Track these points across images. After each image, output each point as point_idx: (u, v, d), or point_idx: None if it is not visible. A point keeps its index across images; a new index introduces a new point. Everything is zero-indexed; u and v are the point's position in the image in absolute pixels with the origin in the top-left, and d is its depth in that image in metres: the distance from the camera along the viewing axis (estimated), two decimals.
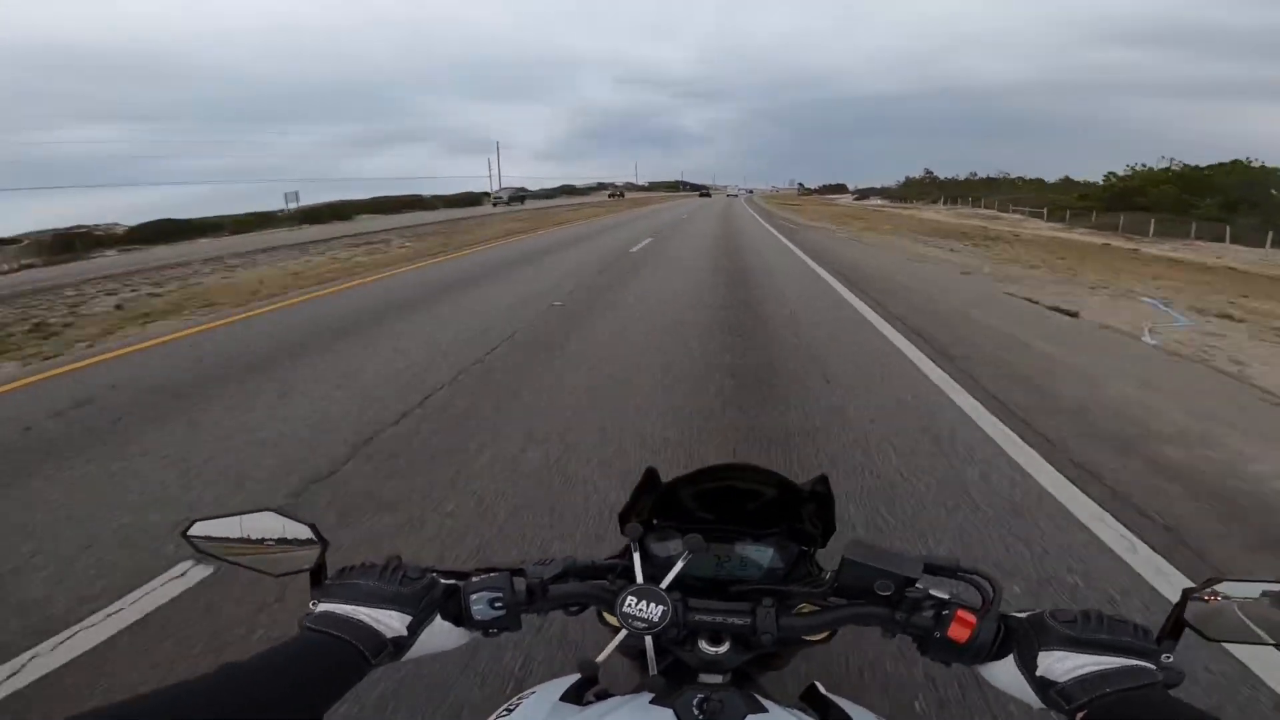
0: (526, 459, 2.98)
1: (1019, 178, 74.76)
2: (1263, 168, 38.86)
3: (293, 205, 37.65)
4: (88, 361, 5.24)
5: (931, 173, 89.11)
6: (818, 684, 0.71)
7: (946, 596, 0.58)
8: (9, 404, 4.25)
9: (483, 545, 2.29)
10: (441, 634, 0.60)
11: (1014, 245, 17.38)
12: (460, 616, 0.60)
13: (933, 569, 0.58)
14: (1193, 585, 0.52)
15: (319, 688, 0.48)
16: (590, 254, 12.20)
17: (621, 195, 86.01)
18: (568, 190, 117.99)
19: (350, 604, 0.56)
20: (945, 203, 56.86)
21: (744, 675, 0.66)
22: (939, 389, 3.98)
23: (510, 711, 0.65)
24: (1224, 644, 0.56)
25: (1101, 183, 50.03)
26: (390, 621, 0.56)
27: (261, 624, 1.88)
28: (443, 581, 0.61)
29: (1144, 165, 44.55)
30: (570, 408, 3.69)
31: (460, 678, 1.63)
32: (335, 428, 3.44)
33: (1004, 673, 0.55)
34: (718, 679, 0.62)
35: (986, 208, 45.50)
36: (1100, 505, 2.51)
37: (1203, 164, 40.49)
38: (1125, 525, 2.37)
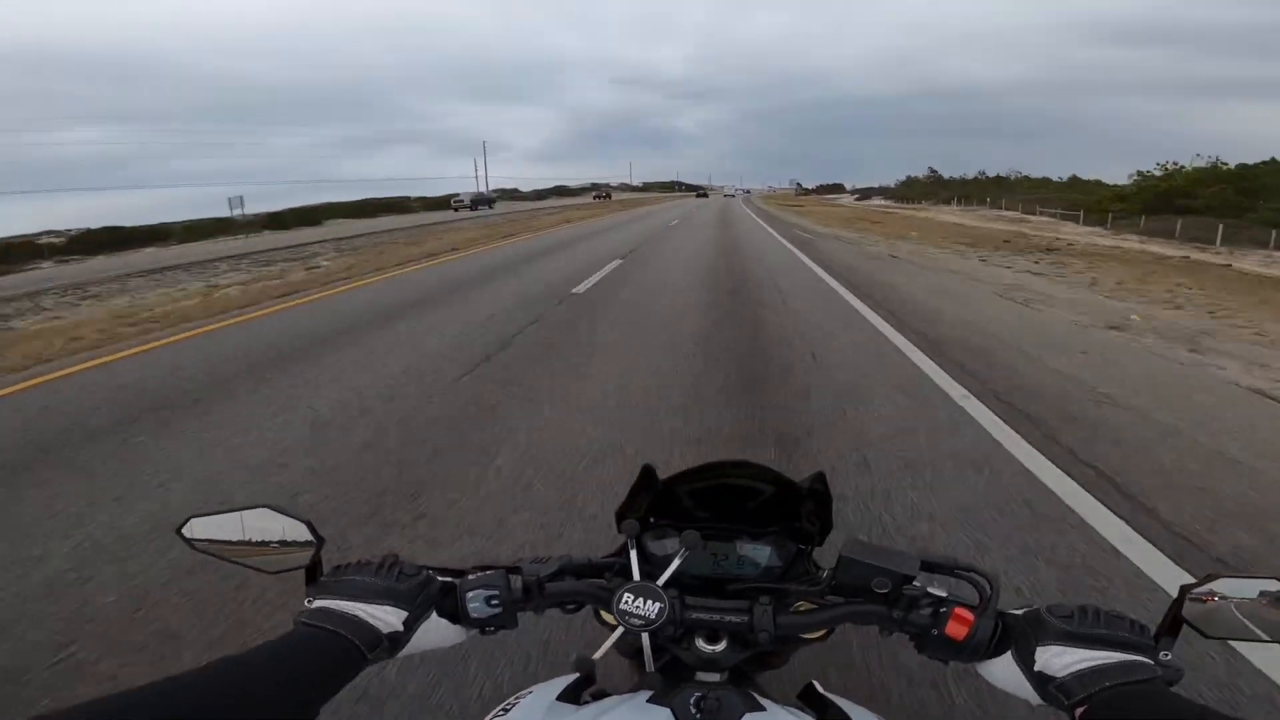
0: None
1: (1025, 177, 70.69)
2: None
3: (237, 211, 34.80)
4: None
5: (935, 171, 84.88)
6: (816, 683, 0.70)
7: (944, 594, 0.57)
8: None
9: None
10: (438, 631, 0.59)
11: (1089, 260, 13.34)
12: (457, 614, 0.60)
13: (930, 567, 0.58)
14: (1190, 582, 0.51)
15: (314, 683, 0.47)
16: (511, 295, 7.86)
17: (608, 197, 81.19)
18: (560, 191, 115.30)
19: (346, 600, 0.55)
20: (958, 203, 52.71)
21: (742, 674, 0.65)
22: None
23: (507, 711, 0.63)
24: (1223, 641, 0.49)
25: (1129, 181, 46.25)
26: (386, 618, 0.55)
27: None
28: (439, 579, 0.61)
29: (1174, 164, 40.74)
30: None
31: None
32: None
33: (1002, 670, 0.54)
34: (715, 677, 0.62)
35: (1008, 209, 41.32)
36: None
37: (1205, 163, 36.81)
38: None
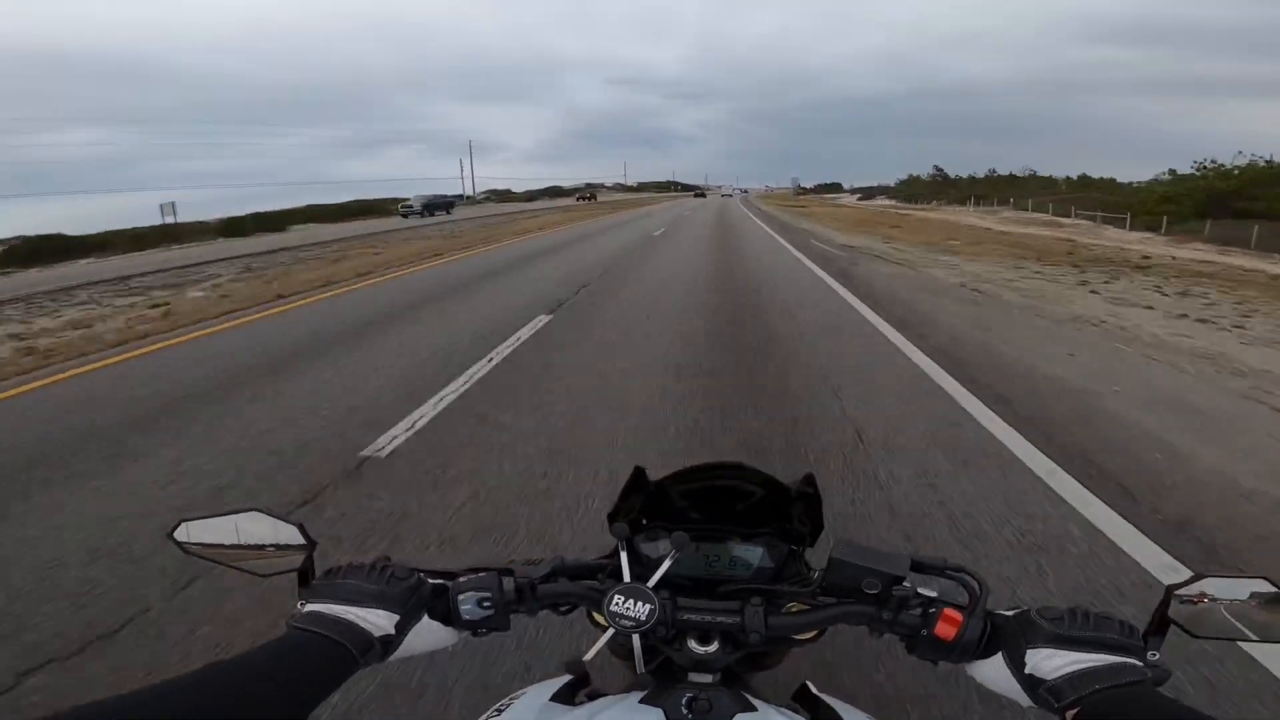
0: None
1: (1035, 175, 66.97)
2: None
3: (169, 219, 32.95)
4: None
5: (941, 170, 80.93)
6: (809, 684, 0.70)
7: (933, 595, 0.57)
8: None
9: None
10: (430, 634, 0.59)
11: (1214, 285, 9.40)
12: (449, 616, 0.60)
13: (920, 567, 0.57)
14: (1177, 583, 0.51)
15: (306, 687, 0.46)
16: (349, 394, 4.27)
17: (592, 198, 76.40)
18: (553, 192, 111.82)
19: (338, 603, 0.54)
20: (973, 203, 48.92)
21: (734, 674, 0.66)
22: None
23: (500, 712, 0.62)
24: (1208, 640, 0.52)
25: (1150, 180, 42.39)
26: (378, 621, 0.54)
27: None
28: (431, 581, 0.60)
29: (1214, 162, 37.05)
30: None
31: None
32: None
33: (992, 671, 0.54)
34: (707, 678, 0.61)
35: (1036, 210, 37.51)
36: None
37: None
38: None
